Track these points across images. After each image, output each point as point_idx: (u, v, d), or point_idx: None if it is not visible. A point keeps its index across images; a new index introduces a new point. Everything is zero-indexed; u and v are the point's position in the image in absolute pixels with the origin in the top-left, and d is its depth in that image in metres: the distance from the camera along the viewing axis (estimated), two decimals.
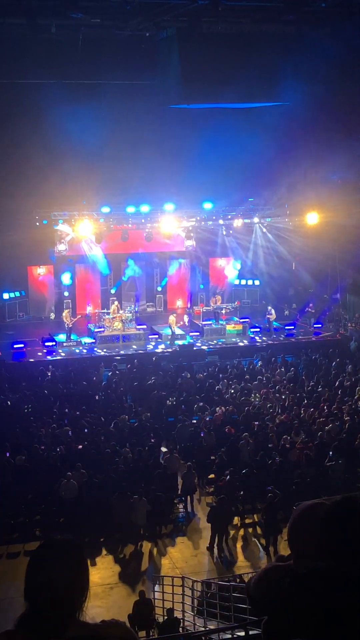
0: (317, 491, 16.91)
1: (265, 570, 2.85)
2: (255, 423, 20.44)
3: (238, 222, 32.94)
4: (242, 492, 17.50)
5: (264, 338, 29.95)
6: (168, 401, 22.23)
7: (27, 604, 2.46)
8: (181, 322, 30.49)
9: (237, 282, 35.25)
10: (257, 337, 29.92)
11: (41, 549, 2.58)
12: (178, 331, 29.01)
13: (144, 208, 30.70)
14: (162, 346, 28.57)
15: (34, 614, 2.42)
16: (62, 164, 27.52)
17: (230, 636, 10.25)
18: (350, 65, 23.66)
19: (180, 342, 28.44)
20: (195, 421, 20.87)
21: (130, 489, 16.65)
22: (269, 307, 30.48)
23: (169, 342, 28.44)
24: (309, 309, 31.71)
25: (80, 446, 18.59)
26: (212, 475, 18.61)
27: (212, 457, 18.92)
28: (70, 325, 28.31)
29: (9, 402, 21.58)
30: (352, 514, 2.58)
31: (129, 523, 16.22)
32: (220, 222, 33.27)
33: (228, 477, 17.08)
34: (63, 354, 27.19)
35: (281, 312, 32.45)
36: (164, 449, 19.66)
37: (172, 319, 28.84)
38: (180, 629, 12.06)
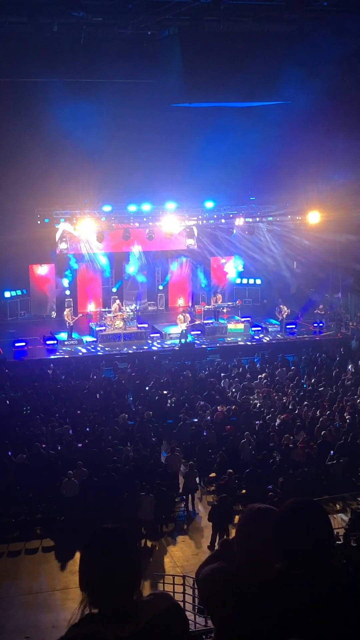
0: (318, 490, 16.93)
1: (212, 570, 2.86)
2: (257, 422, 20.45)
3: (239, 221, 32.92)
4: (243, 491, 17.51)
5: (278, 336, 29.96)
6: (169, 400, 22.23)
7: (86, 595, 2.48)
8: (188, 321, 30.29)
9: (238, 281, 35.24)
10: (265, 336, 29.90)
11: (96, 538, 2.60)
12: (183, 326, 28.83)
13: (146, 207, 30.70)
14: (171, 342, 28.61)
15: (100, 603, 2.46)
16: (64, 163, 27.52)
17: None
18: (352, 63, 23.65)
19: (181, 341, 28.43)
20: (196, 420, 20.88)
21: (132, 487, 16.65)
22: (281, 306, 30.25)
23: (178, 341, 28.42)
24: (319, 311, 31.56)
25: (80, 445, 18.59)
26: (213, 474, 18.62)
27: (213, 456, 18.92)
28: (72, 324, 28.31)
29: (8, 402, 21.57)
30: (302, 517, 2.63)
31: (135, 520, 16.21)
32: (222, 220, 33.26)
33: (229, 476, 17.09)
34: (64, 353, 27.19)
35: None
36: (165, 448, 19.67)
37: (181, 317, 28.80)
38: None
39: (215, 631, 2.76)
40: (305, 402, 21.84)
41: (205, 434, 19.78)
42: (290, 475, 17.50)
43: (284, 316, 30.11)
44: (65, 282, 32.33)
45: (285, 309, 30.00)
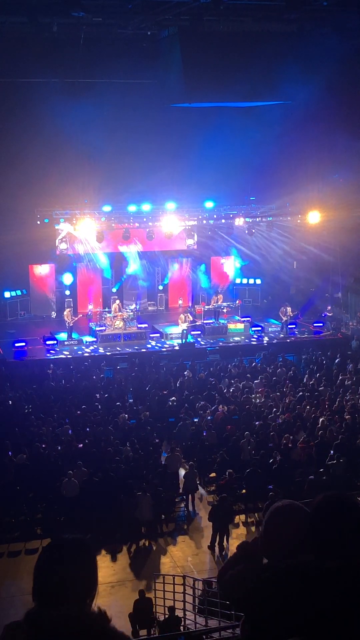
0: (318, 490, 16.92)
1: (239, 571, 2.86)
2: (257, 422, 20.44)
3: (239, 221, 32.92)
4: (243, 491, 17.51)
5: (281, 335, 29.96)
6: (169, 401, 22.22)
7: (35, 602, 2.47)
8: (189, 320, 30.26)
9: (238, 281, 35.24)
10: (265, 336, 29.89)
11: (51, 549, 2.59)
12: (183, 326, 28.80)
13: (146, 207, 30.70)
14: (174, 342, 28.63)
15: (43, 611, 2.43)
16: (64, 163, 27.54)
17: (230, 634, 10.27)
18: (352, 63, 23.66)
19: (182, 341, 28.44)
20: (196, 420, 20.87)
21: (132, 487, 16.66)
22: (287, 307, 30.15)
23: (180, 341, 28.42)
24: (328, 313, 31.48)
25: (80, 445, 18.59)
26: (213, 474, 18.62)
27: (213, 456, 18.92)
28: (72, 324, 28.30)
29: (10, 402, 21.58)
30: (337, 510, 2.64)
31: (134, 520, 16.23)
32: (222, 220, 33.26)
33: (229, 476, 17.09)
34: (64, 353, 27.18)
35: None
36: (165, 448, 19.67)
37: (182, 317, 28.79)
38: (181, 627, 12.07)
39: (245, 630, 2.74)
40: (305, 402, 21.84)
41: (205, 434, 19.78)
42: (290, 475, 17.51)
43: (288, 317, 30.02)
44: (66, 282, 32.34)
45: (290, 310, 29.96)
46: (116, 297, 31.48)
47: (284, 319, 29.95)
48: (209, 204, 31.98)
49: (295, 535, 2.73)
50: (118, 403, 21.78)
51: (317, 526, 2.64)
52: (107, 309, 30.51)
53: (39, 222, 29.95)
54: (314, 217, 30.74)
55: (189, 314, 29.15)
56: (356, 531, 2.61)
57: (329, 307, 31.25)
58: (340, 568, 2.51)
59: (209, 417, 20.71)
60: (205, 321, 30.54)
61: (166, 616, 12.22)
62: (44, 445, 18.28)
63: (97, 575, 2.57)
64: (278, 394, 22.96)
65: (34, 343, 27.79)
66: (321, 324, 31.10)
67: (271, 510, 2.91)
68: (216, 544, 15.96)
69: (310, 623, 2.40)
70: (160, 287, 34.36)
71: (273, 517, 2.89)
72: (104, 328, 28.96)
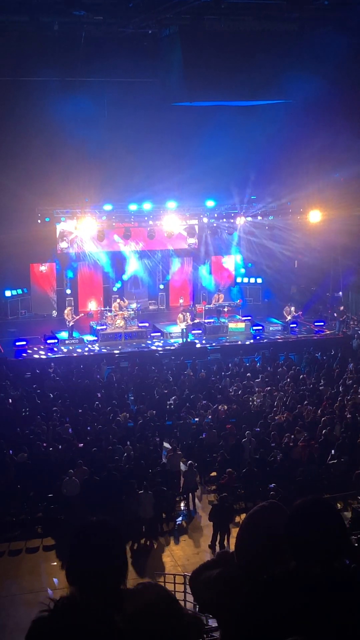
0: (319, 489, 16.93)
1: (217, 578, 2.84)
2: (258, 421, 20.44)
3: (240, 220, 32.93)
4: (243, 490, 17.50)
5: (280, 335, 29.90)
6: (170, 400, 22.22)
7: (75, 589, 2.49)
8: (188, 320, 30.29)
9: (239, 279, 35.24)
10: (266, 335, 29.89)
11: (82, 533, 2.62)
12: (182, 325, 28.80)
13: (147, 206, 30.71)
14: (173, 341, 28.62)
15: (86, 594, 2.43)
16: (65, 162, 27.54)
17: None
18: (353, 62, 23.62)
19: (183, 340, 28.44)
20: (197, 419, 20.87)
21: (133, 486, 16.66)
22: (291, 307, 30.10)
23: (181, 340, 28.43)
24: (338, 315, 31.36)
25: (81, 445, 18.59)
26: (213, 473, 18.62)
27: (213, 455, 18.93)
28: (72, 323, 28.31)
29: (10, 400, 21.58)
30: (315, 515, 2.63)
31: (135, 518, 16.23)
32: (223, 219, 33.25)
33: (229, 475, 17.09)
34: (65, 352, 27.20)
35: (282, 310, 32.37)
36: (167, 445, 19.66)
37: (180, 316, 28.79)
38: None
39: (220, 632, 2.76)
40: (306, 401, 21.84)
41: (205, 433, 19.77)
42: (291, 474, 17.50)
43: (292, 317, 29.98)
44: (66, 280, 32.35)
45: (293, 310, 29.95)
46: (117, 296, 31.49)
47: (288, 318, 29.94)
48: (210, 203, 31.99)
49: (270, 540, 2.70)
50: (114, 402, 21.78)
51: (295, 531, 2.61)
52: (108, 308, 30.52)
53: (39, 221, 29.99)
54: (315, 216, 30.72)
55: (188, 314, 29.13)
56: (334, 535, 2.60)
57: (342, 308, 30.94)
58: (320, 574, 2.50)
59: (209, 417, 20.71)
60: (206, 320, 30.54)
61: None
62: (44, 444, 18.30)
63: (126, 556, 2.62)
64: (279, 393, 22.96)
65: (35, 342, 27.81)
66: (322, 323, 31.09)
67: (248, 514, 2.90)
68: (217, 543, 15.95)
69: (282, 629, 2.38)
70: (161, 286, 34.37)
71: (248, 521, 2.87)
72: (104, 327, 28.98)
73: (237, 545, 2.87)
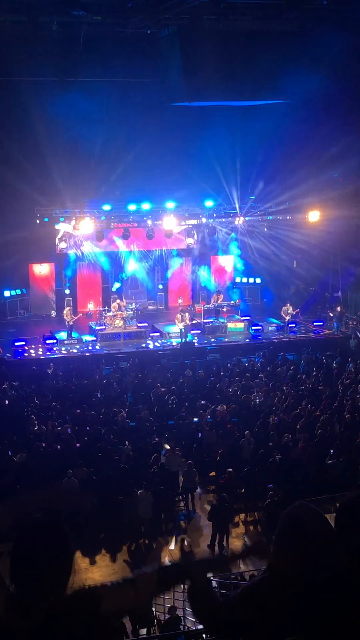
0: (318, 489, 16.92)
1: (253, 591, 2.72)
2: (257, 421, 20.43)
3: (239, 220, 32.93)
4: (243, 490, 17.50)
5: (280, 335, 29.91)
6: (170, 400, 22.21)
7: (15, 587, 2.47)
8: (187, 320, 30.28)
9: (238, 280, 35.25)
10: (265, 335, 29.89)
11: (24, 532, 2.58)
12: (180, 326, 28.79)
13: (145, 206, 30.71)
14: (172, 341, 28.63)
15: (24, 596, 2.43)
16: (64, 162, 27.54)
17: None
18: (353, 62, 23.63)
19: (182, 340, 28.44)
20: (196, 419, 20.87)
21: (131, 486, 16.66)
22: (289, 306, 30.11)
23: (179, 340, 28.43)
24: (332, 313, 31.36)
25: (78, 445, 18.56)
26: (213, 473, 18.62)
27: (213, 455, 18.92)
28: (71, 323, 28.30)
29: (7, 401, 21.57)
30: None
31: (134, 518, 16.22)
32: (222, 219, 33.25)
33: (228, 475, 17.09)
34: (64, 352, 27.19)
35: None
36: (166, 446, 19.67)
37: (179, 316, 28.80)
38: (181, 626, 12.08)
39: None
40: (305, 401, 21.84)
41: (204, 433, 19.76)
42: (290, 474, 17.50)
43: (290, 317, 29.96)
44: (65, 281, 32.35)
45: (291, 309, 29.94)
46: (116, 296, 31.50)
47: (286, 318, 29.91)
48: (209, 203, 32.00)
49: (312, 544, 2.56)
50: (113, 402, 21.78)
51: (347, 530, 2.52)
52: (106, 308, 30.52)
53: (38, 221, 29.97)
54: (313, 216, 30.74)
55: (186, 314, 29.13)
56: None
57: (339, 308, 30.96)
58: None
59: (208, 417, 20.71)
60: (205, 320, 30.54)
61: (166, 615, 12.23)
62: (44, 444, 18.28)
63: (73, 557, 2.56)
64: (278, 393, 22.96)
65: (34, 342, 27.80)
66: (321, 323, 31.09)
67: (285, 520, 2.72)
68: (216, 543, 15.95)
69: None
70: (160, 286, 34.38)
71: (288, 528, 2.70)
72: (103, 327, 28.97)
73: (277, 552, 2.71)
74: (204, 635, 10.96)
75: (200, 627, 11.69)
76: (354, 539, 2.52)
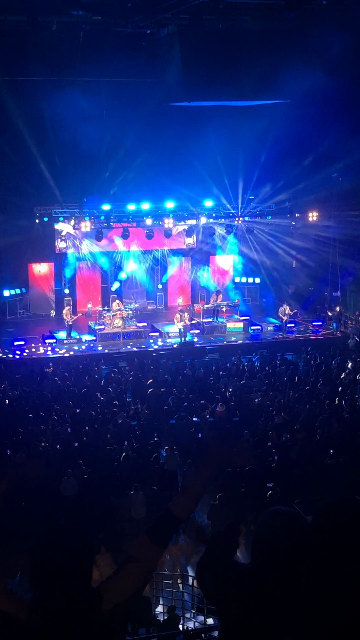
0: (317, 489, 16.92)
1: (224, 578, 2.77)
2: (256, 421, 20.44)
3: (239, 220, 32.93)
4: (242, 490, 17.49)
5: (280, 335, 29.90)
6: (169, 399, 22.22)
7: (36, 593, 2.48)
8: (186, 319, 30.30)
9: (237, 279, 35.27)
10: (264, 335, 29.90)
11: (45, 537, 2.59)
12: (179, 325, 28.81)
13: (145, 205, 30.70)
14: (171, 341, 28.65)
15: (48, 600, 2.44)
16: (63, 162, 27.55)
17: None
18: (353, 62, 23.62)
19: (181, 340, 28.46)
20: (195, 419, 20.87)
21: (128, 486, 16.65)
22: (286, 306, 30.11)
23: (179, 340, 28.45)
24: (330, 312, 31.34)
25: (76, 444, 18.57)
26: None
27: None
28: (71, 323, 28.32)
29: (7, 400, 21.58)
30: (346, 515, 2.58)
31: (130, 519, 16.21)
32: (221, 219, 33.26)
33: (227, 475, 17.09)
34: (63, 351, 27.20)
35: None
36: (166, 448, 19.66)
37: (177, 316, 28.81)
38: (180, 626, 12.09)
39: (220, 630, 2.73)
40: (304, 401, 21.84)
41: (203, 433, 19.76)
42: (289, 473, 17.50)
43: (288, 317, 29.96)
44: (65, 280, 32.36)
45: (289, 309, 29.94)
46: (115, 295, 31.52)
47: (284, 318, 29.91)
48: (209, 203, 32.00)
49: (289, 547, 2.64)
50: (113, 402, 21.78)
51: (325, 532, 2.56)
52: (106, 308, 30.53)
53: (37, 221, 29.97)
54: (313, 215, 30.74)
55: (185, 313, 29.14)
56: None
57: (338, 308, 30.97)
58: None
59: (208, 416, 20.71)
60: (204, 320, 30.56)
61: (165, 615, 12.24)
62: (43, 444, 18.28)
63: (93, 560, 2.61)
64: (277, 392, 22.97)
65: (33, 342, 27.81)
66: (320, 323, 31.11)
67: (263, 521, 2.81)
68: None
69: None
70: (160, 286, 34.38)
71: (268, 525, 2.81)
72: (103, 327, 28.98)
73: (254, 550, 2.78)
74: (203, 635, 10.98)
75: (199, 626, 11.71)
76: (330, 544, 2.54)
